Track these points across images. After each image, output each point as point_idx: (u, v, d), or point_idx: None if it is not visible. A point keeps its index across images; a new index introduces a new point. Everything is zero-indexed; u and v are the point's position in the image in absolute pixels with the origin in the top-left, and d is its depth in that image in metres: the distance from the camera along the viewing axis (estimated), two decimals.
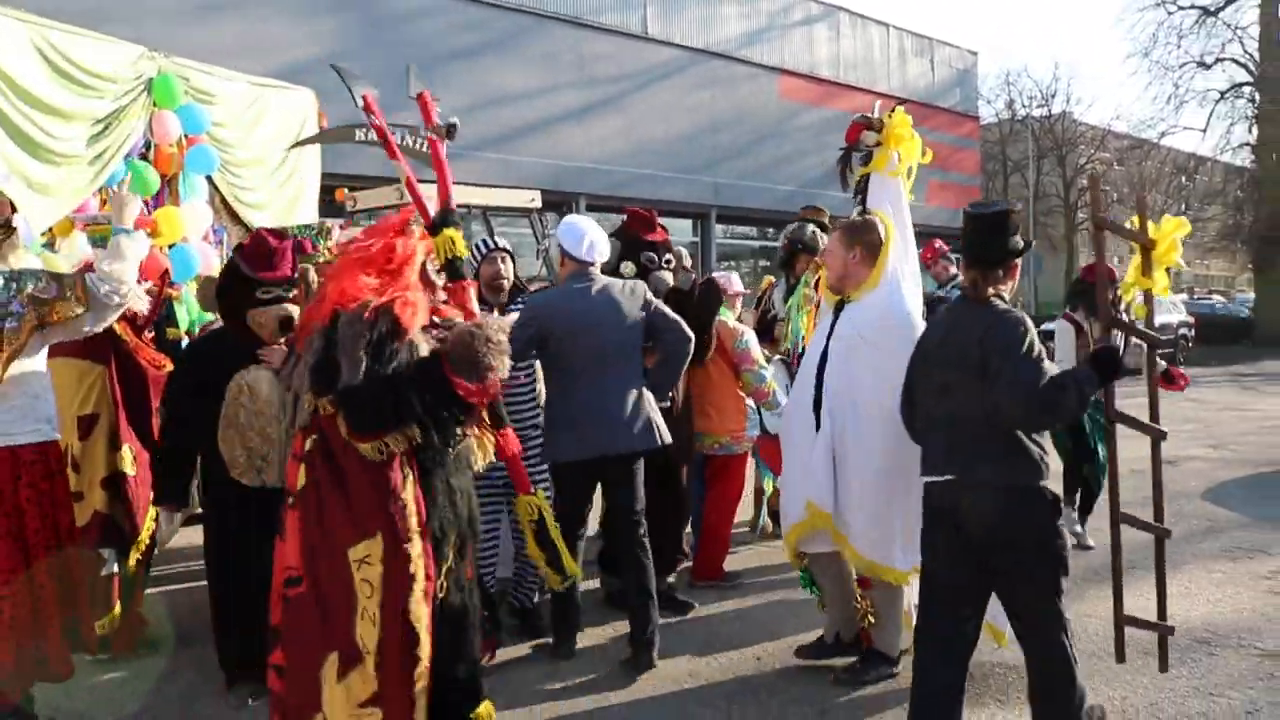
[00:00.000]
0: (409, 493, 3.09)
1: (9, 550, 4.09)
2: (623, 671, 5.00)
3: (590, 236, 5.25)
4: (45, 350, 4.34)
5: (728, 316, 6.60)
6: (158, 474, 4.93)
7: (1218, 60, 33.92)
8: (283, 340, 4.64)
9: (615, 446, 5.06)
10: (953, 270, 8.82)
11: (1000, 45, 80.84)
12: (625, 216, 6.17)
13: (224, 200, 8.22)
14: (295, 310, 4.67)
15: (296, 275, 4.78)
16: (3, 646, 4.06)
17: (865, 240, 4.85)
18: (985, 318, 3.79)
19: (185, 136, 7.62)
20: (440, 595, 3.16)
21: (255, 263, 4.66)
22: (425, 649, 3.05)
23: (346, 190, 11.48)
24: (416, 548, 3.04)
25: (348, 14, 16.89)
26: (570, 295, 5.14)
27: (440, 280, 3.52)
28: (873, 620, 4.97)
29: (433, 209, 4.50)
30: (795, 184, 23.89)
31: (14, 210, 4.53)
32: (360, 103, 4.48)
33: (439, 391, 2.99)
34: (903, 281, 4.89)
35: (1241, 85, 33.88)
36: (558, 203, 19.15)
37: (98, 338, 4.79)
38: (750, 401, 6.51)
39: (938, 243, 9.12)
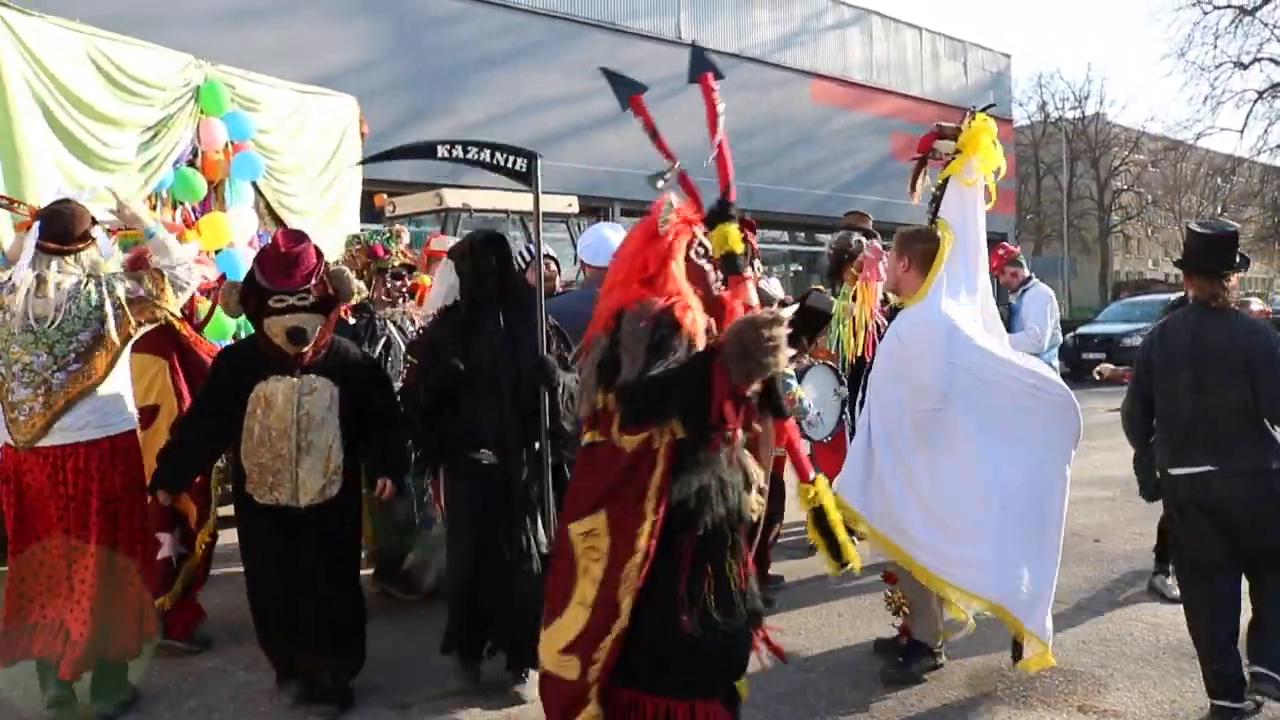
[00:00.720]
0: (654, 482, 3.09)
1: (103, 529, 4.42)
2: None
3: (608, 242, 5.47)
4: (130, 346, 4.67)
5: None
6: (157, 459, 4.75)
7: (1255, 60, 33.54)
8: (306, 349, 4.51)
9: None
10: (1024, 275, 8.40)
11: (1033, 47, 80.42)
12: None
13: (268, 206, 8.34)
14: (307, 321, 4.49)
15: (314, 282, 4.51)
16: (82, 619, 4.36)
17: (916, 250, 4.90)
18: (1237, 324, 4.43)
19: (231, 143, 7.75)
20: (711, 591, 3.12)
21: (268, 270, 4.50)
22: (623, 619, 3.06)
23: (386, 195, 11.58)
24: (644, 536, 3.05)
25: (382, 19, 17.01)
26: (585, 298, 5.20)
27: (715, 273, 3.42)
28: (907, 612, 5.02)
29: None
30: (829, 188, 23.88)
31: (94, 221, 4.66)
32: (625, 106, 4.42)
33: (704, 387, 2.94)
34: (959, 294, 4.83)
35: (1279, 85, 33.51)
36: (594, 208, 19.22)
37: (160, 332, 5.13)
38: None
39: (1003, 248, 8.59)
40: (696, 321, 3.13)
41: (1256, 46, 33.34)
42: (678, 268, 3.24)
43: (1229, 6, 32.37)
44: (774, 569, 6.61)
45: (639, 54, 20.65)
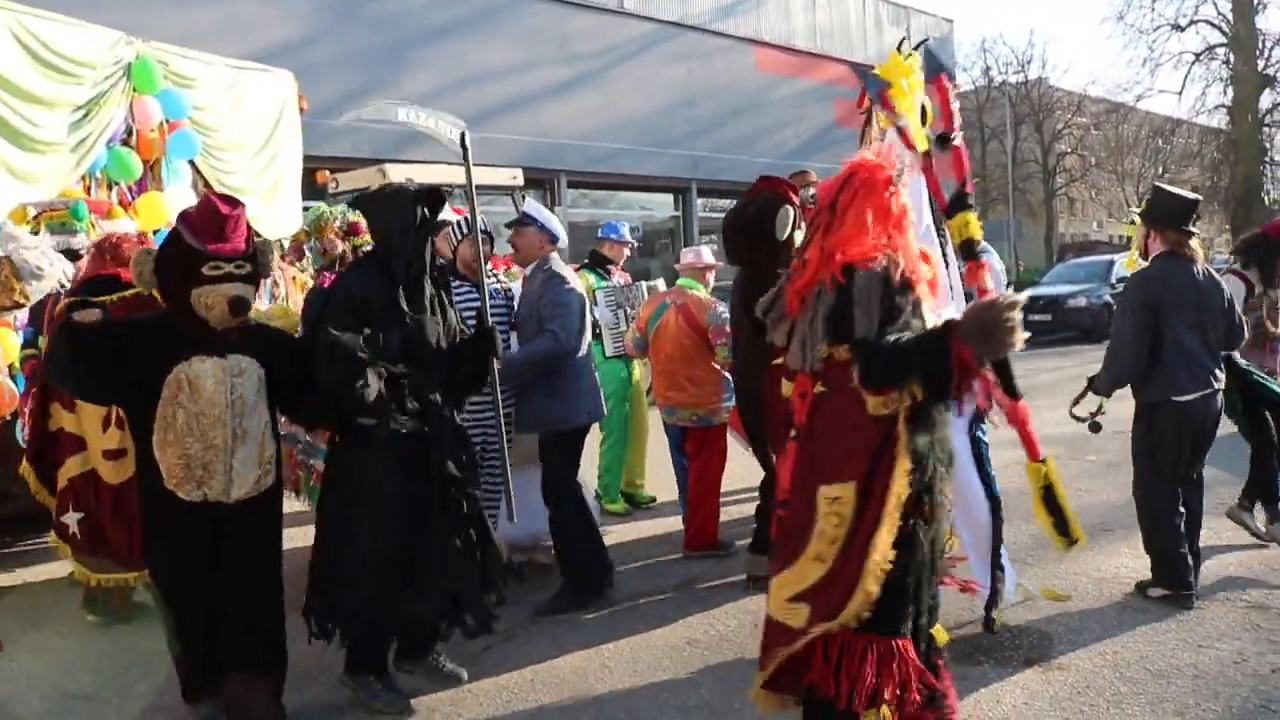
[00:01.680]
0: (899, 449, 3.16)
1: None
2: (623, 643, 5.07)
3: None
4: None
5: (699, 289, 6.63)
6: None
7: (1192, 22, 34.03)
8: (235, 325, 4.05)
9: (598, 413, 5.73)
10: None
11: (975, 12, 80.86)
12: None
13: (207, 185, 8.20)
14: (249, 291, 4.05)
15: (251, 250, 4.04)
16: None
17: None
18: (1203, 269, 5.39)
19: (166, 121, 7.61)
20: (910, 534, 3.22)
21: (203, 232, 3.93)
22: (872, 583, 3.11)
23: (328, 172, 11.46)
24: (894, 499, 3.13)
25: None
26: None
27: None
28: None
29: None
30: (774, 155, 23.85)
31: None
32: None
33: (943, 360, 3.01)
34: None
35: (1215, 47, 34.01)
36: (539, 180, 19.11)
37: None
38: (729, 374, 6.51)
39: None
40: (924, 284, 3.26)
41: (1193, 9, 33.87)
42: (910, 228, 3.34)
43: None
44: (725, 536, 6.66)
45: (583, 24, 20.53)
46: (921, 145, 4.56)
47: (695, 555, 6.46)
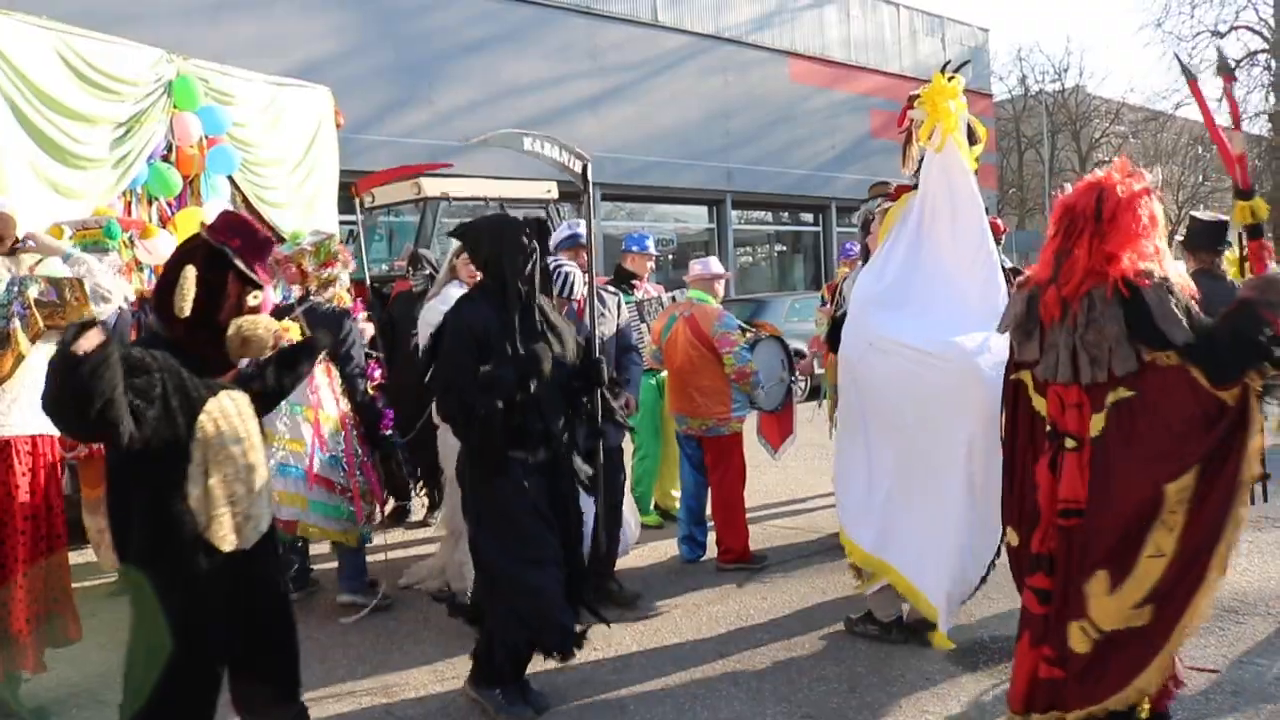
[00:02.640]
0: (1249, 426, 3.38)
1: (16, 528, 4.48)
2: (652, 653, 5.07)
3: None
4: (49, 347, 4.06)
5: (709, 300, 6.64)
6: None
7: (1232, 29, 33.66)
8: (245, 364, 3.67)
9: None
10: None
11: (1011, 21, 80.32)
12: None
13: (245, 200, 8.32)
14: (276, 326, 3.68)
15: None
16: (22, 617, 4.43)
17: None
18: (1231, 286, 5.29)
19: (206, 137, 7.73)
20: None
21: (252, 255, 3.54)
22: (1219, 569, 3.36)
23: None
24: (1247, 476, 3.37)
25: (360, 9, 16.92)
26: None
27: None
28: (860, 581, 5.23)
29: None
30: (809, 167, 23.89)
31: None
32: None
33: (1267, 332, 3.28)
34: (899, 259, 4.85)
35: (1257, 53, 33.62)
36: (573, 194, 19.16)
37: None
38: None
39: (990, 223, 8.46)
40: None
41: (1233, 15, 33.51)
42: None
43: None
44: (758, 549, 6.66)
45: (616, 37, 20.61)
46: (971, 163, 4.77)
47: (729, 568, 6.46)
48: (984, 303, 4.57)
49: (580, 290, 5.54)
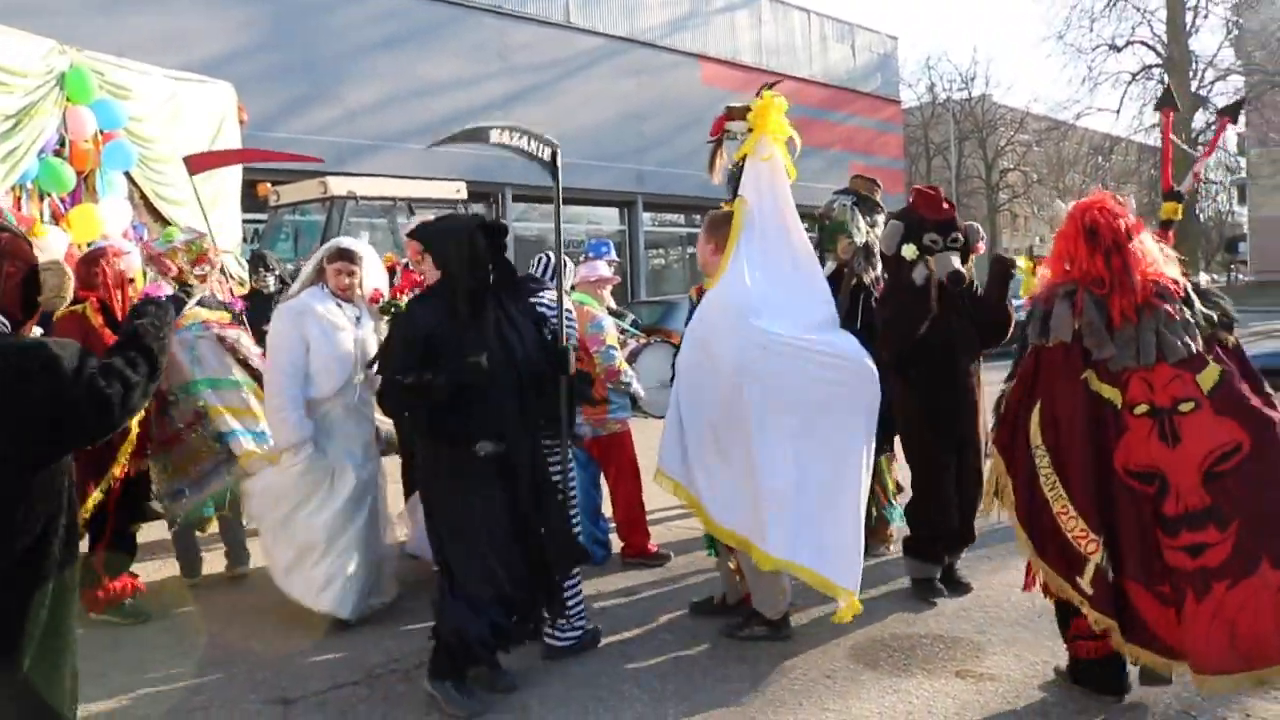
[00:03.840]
0: None
1: None
2: (548, 654, 5.05)
3: None
4: None
5: (591, 303, 6.63)
6: None
7: (1128, 43, 34.81)
8: None
9: None
10: None
11: (920, 30, 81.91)
12: (912, 196, 5.98)
13: (144, 197, 8.12)
14: None
15: None
16: None
17: (720, 233, 5.18)
18: None
19: (101, 132, 7.52)
20: None
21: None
22: None
23: (270, 185, 11.37)
24: None
25: (265, 4, 16.64)
26: None
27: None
28: (740, 579, 5.39)
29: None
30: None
31: None
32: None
33: None
34: (757, 269, 5.02)
35: (1151, 67, 34.80)
36: (484, 194, 19.08)
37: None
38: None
39: None
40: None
41: (1130, 30, 34.66)
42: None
43: None
44: (664, 546, 6.68)
45: (527, 37, 20.56)
46: (792, 174, 5.19)
47: (633, 563, 6.55)
48: (826, 305, 5.17)
49: (568, 278, 5.67)
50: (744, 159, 5.21)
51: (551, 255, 5.60)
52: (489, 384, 4.35)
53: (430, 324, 4.38)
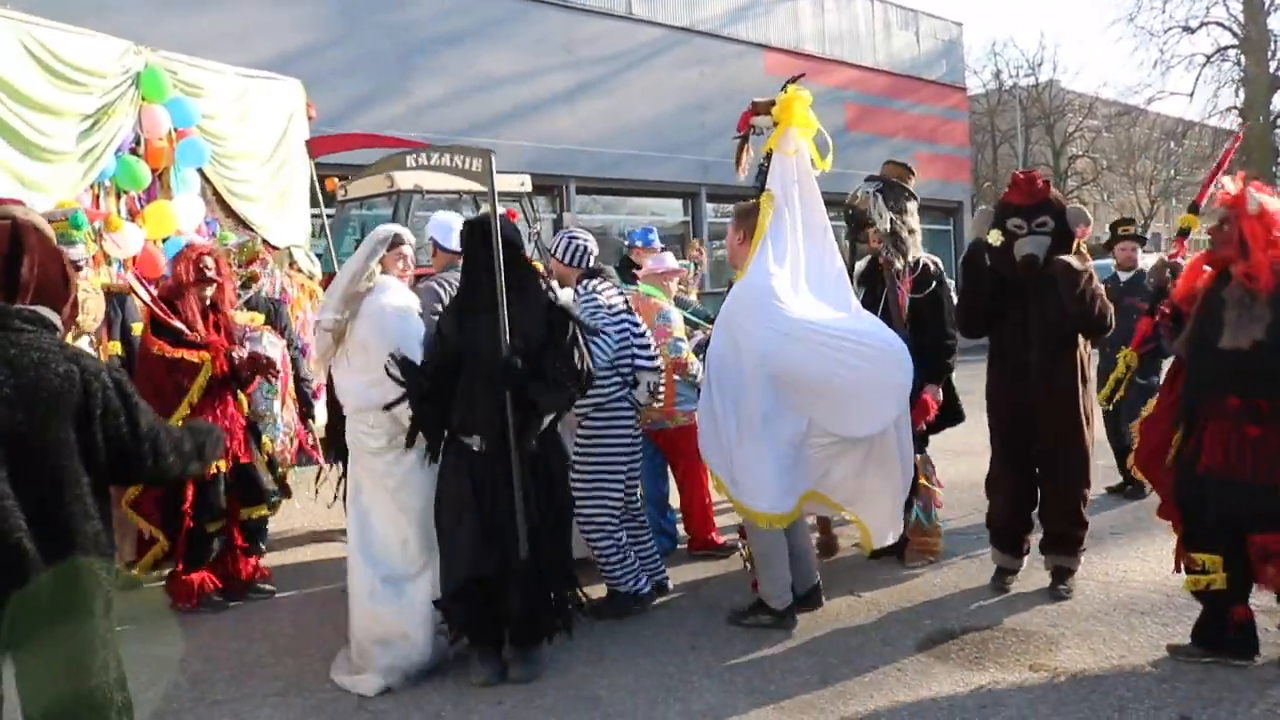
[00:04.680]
0: None
1: None
2: (626, 646, 5.07)
3: (457, 230, 5.65)
4: None
5: (659, 296, 6.60)
6: None
7: (1202, 24, 33.86)
8: None
9: None
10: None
11: (985, 15, 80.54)
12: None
13: (216, 193, 8.26)
14: None
15: None
16: None
17: (747, 224, 5.29)
18: None
19: (175, 130, 7.65)
20: None
21: None
22: None
23: (337, 180, 11.49)
24: None
25: (330, 1, 16.82)
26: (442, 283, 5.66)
27: None
28: (751, 567, 5.45)
29: None
30: None
31: None
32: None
33: None
34: (784, 260, 5.15)
35: (1227, 49, 33.84)
36: (547, 186, 19.13)
37: None
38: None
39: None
40: None
41: (1204, 10, 33.69)
42: None
43: None
44: (727, 539, 6.66)
45: (590, 30, 20.57)
46: (821, 166, 5.34)
47: (700, 555, 6.56)
48: (849, 295, 5.38)
49: (588, 255, 5.68)
50: (770, 153, 5.28)
51: (578, 243, 5.68)
52: (473, 378, 4.56)
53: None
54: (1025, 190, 5.53)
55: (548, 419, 4.70)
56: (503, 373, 4.49)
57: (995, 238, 5.49)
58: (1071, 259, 5.36)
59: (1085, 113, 46.96)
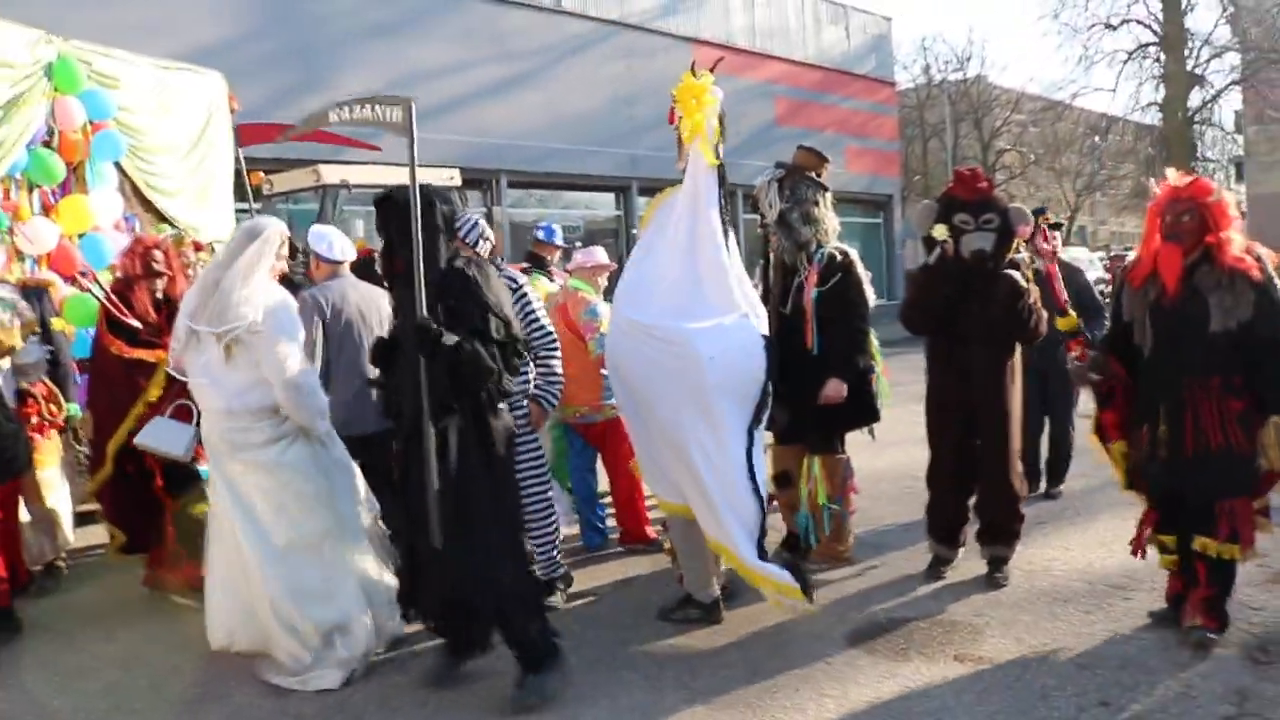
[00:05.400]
0: None
1: None
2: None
3: (336, 241, 5.82)
4: None
5: (587, 290, 6.59)
6: None
7: (1124, 21, 34.57)
8: None
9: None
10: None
11: (915, 10, 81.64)
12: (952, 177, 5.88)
13: (134, 187, 8.06)
14: None
15: None
16: None
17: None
18: None
19: (90, 122, 7.46)
20: None
21: None
22: None
23: (263, 174, 11.30)
24: None
25: None
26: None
27: None
28: (674, 561, 5.46)
29: None
30: None
31: None
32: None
33: None
34: (649, 251, 5.21)
35: (1147, 45, 34.58)
36: (478, 180, 19.03)
37: None
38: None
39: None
40: None
41: (1125, 8, 34.40)
42: None
43: None
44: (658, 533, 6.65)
45: (520, 22, 20.47)
46: (710, 160, 5.01)
47: (633, 550, 6.58)
48: (723, 290, 4.94)
49: (485, 242, 5.44)
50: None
51: (471, 219, 5.51)
52: (401, 360, 4.29)
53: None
54: (970, 186, 5.59)
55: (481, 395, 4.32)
56: (415, 335, 4.17)
57: (941, 232, 5.53)
58: (1018, 277, 5.48)
59: (1012, 107, 47.71)
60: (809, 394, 5.68)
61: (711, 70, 5.09)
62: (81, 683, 4.82)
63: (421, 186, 4.32)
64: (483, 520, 4.30)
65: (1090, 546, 6.23)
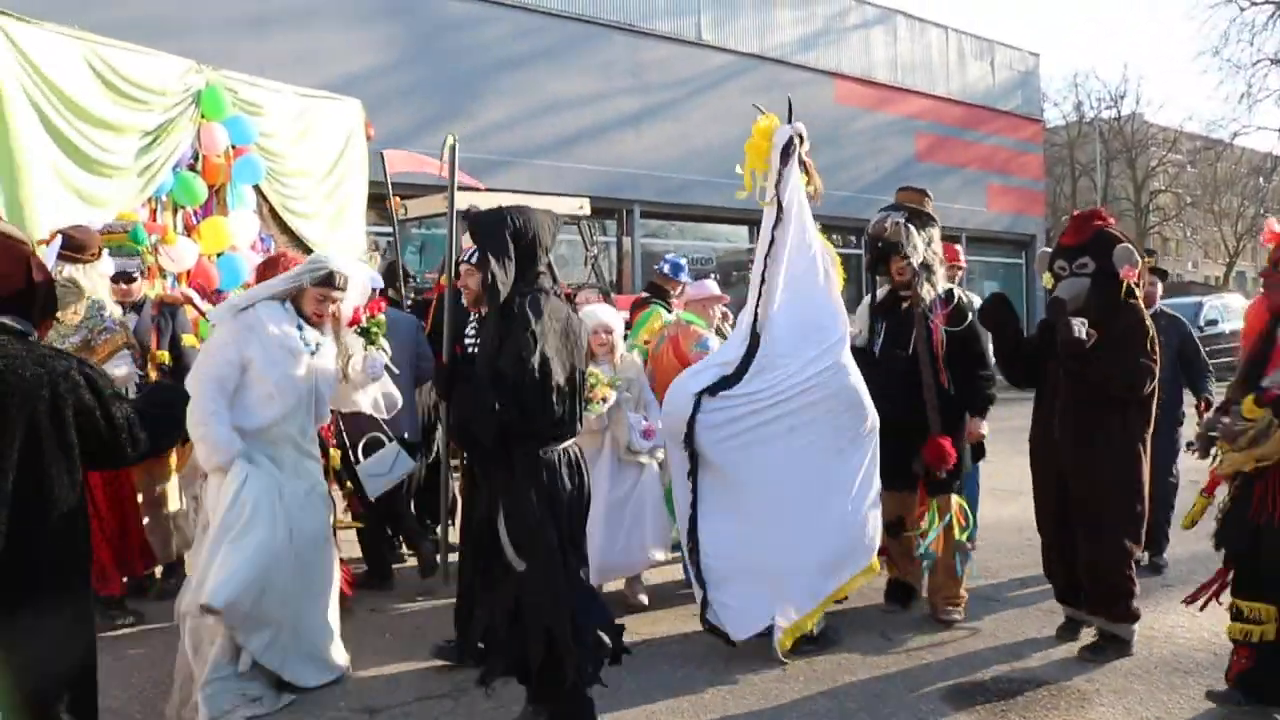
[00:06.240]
0: None
1: None
2: (640, 677, 4.99)
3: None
4: None
5: (698, 323, 6.52)
6: None
7: None
8: None
9: None
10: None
11: (1066, 47, 79.52)
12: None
13: (272, 209, 8.36)
14: None
15: None
16: None
17: None
18: None
19: (233, 147, 7.78)
20: None
21: None
22: None
23: (398, 199, 11.59)
24: None
25: (400, 23, 17.04)
26: None
27: None
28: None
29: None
30: (852, 189, 23.66)
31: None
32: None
33: None
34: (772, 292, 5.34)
35: None
36: (611, 209, 19.19)
37: None
38: None
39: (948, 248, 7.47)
40: None
41: None
42: None
43: (1266, 2, 31.83)
44: None
45: (659, 55, 20.62)
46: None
47: None
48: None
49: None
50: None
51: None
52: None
53: None
54: (1072, 230, 5.40)
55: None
56: (434, 377, 4.28)
57: (1048, 281, 5.40)
58: (1077, 325, 5.03)
59: (1169, 147, 46.03)
60: (925, 436, 5.61)
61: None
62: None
63: (500, 210, 4.21)
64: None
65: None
